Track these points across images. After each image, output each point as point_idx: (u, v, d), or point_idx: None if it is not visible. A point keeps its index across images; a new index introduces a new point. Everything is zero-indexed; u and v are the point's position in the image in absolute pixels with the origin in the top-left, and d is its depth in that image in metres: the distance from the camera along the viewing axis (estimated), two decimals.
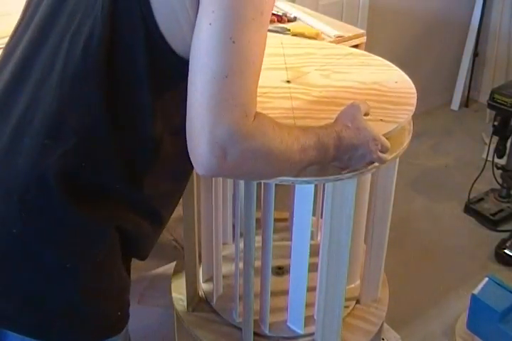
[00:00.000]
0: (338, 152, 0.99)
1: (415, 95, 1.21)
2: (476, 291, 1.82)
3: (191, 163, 0.84)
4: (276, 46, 1.40)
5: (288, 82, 1.25)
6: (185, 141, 0.83)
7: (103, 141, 0.86)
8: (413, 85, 1.25)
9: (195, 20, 0.80)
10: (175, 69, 0.85)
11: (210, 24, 0.78)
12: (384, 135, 1.07)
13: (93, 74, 0.84)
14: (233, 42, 0.78)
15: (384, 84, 1.24)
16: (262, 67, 1.32)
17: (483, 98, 3.12)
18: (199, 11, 0.79)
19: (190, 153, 0.82)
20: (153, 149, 0.90)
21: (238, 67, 0.79)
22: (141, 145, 0.89)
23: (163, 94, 0.87)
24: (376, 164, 1.08)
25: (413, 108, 1.17)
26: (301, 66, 1.31)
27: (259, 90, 1.20)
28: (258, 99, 1.18)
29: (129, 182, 0.90)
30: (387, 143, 1.05)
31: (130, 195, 0.91)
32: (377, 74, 1.28)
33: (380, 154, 1.04)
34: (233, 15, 0.78)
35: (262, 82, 1.24)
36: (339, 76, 1.27)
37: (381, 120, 1.12)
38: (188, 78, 0.81)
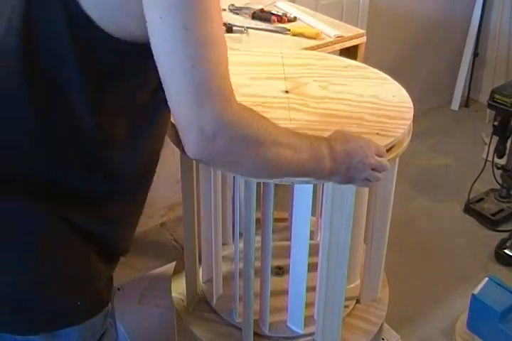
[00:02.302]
0: (335, 162, 0.98)
1: (412, 109, 1.22)
2: (476, 291, 1.82)
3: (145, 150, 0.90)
4: (275, 56, 1.41)
5: (286, 92, 1.26)
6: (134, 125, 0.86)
7: (26, 126, 0.85)
8: (410, 99, 1.26)
9: (132, 6, 0.80)
10: (106, 50, 0.84)
11: (161, 17, 0.78)
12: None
13: (14, 53, 0.83)
14: (186, 29, 0.78)
15: (381, 97, 1.25)
16: (261, 75, 1.34)
17: (483, 98, 3.12)
18: (144, 5, 0.79)
19: (181, 140, 0.84)
20: (91, 137, 0.88)
21: (201, 54, 0.80)
22: (73, 133, 0.87)
23: (94, 75, 0.86)
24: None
25: (409, 122, 1.18)
26: (300, 76, 1.32)
27: (258, 99, 1.23)
28: (257, 108, 1.19)
29: (68, 172, 0.89)
30: (381, 147, 1.05)
31: (74, 186, 0.90)
32: (374, 87, 1.29)
33: (379, 158, 1.03)
34: (181, 5, 0.78)
35: (261, 91, 1.26)
36: (337, 88, 1.28)
37: (377, 134, 1.13)
38: (159, 73, 0.81)
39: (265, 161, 0.90)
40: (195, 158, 0.85)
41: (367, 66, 1.38)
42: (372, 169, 1.03)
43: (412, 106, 1.23)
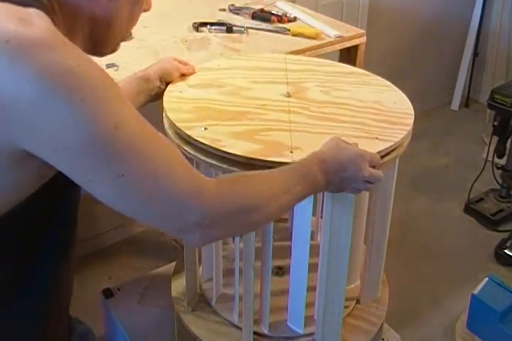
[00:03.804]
0: (328, 175, 0.98)
1: (412, 116, 1.22)
2: (476, 291, 1.82)
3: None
4: (279, 61, 1.41)
5: (288, 96, 1.26)
6: None
7: None
8: (411, 106, 1.25)
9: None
10: None
11: (91, 180, 0.75)
12: (379, 152, 1.08)
13: None
14: (122, 175, 0.75)
15: (383, 103, 1.25)
16: (263, 79, 1.34)
17: (483, 98, 3.12)
18: (66, 173, 0.76)
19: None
20: None
21: (149, 184, 0.77)
22: None
23: None
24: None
25: (409, 128, 1.18)
26: (302, 81, 1.32)
27: (258, 102, 1.23)
28: (257, 110, 1.20)
29: None
30: (377, 157, 1.04)
31: None
32: (376, 93, 1.29)
33: (372, 170, 1.02)
34: (101, 161, 0.74)
35: (262, 95, 1.26)
36: (339, 93, 1.28)
37: (377, 138, 1.13)
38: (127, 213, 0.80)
39: (269, 216, 0.92)
40: (204, 245, 0.88)
41: (370, 73, 1.39)
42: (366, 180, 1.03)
43: (413, 112, 1.23)
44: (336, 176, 0.99)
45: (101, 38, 0.89)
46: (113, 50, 0.95)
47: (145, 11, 0.95)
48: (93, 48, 0.91)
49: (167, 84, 1.29)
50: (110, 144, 0.73)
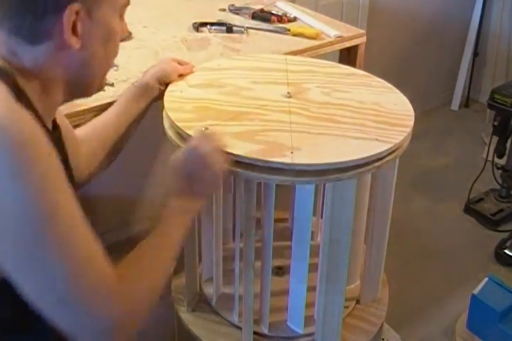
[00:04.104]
0: (191, 200, 0.99)
1: (413, 118, 1.22)
2: (476, 291, 1.82)
3: None
4: (279, 62, 1.41)
5: (288, 96, 1.26)
6: None
7: None
8: (411, 108, 1.25)
9: None
10: None
11: (16, 271, 0.74)
12: (378, 154, 1.08)
13: None
14: (47, 266, 0.74)
15: (383, 105, 1.25)
16: (264, 80, 1.34)
17: (483, 98, 3.12)
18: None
19: None
20: None
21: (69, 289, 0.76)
22: None
23: None
24: (376, 164, 1.08)
25: (409, 129, 1.18)
26: (303, 82, 1.32)
27: (259, 102, 1.23)
28: (257, 110, 1.20)
29: None
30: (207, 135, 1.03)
31: None
32: (377, 95, 1.30)
33: (208, 151, 1.00)
34: (32, 254, 0.73)
35: (262, 95, 1.26)
36: (339, 94, 1.29)
37: (376, 139, 1.13)
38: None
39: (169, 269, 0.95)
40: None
41: (371, 75, 1.39)
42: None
43: (413, 114, 1.23)
44: (192, 188, 1.00)
45: (83, 83, 0.90)
46: (99, 88, 0.96)
47: (122, 38, 0.94)
48: (79, 93, 0.92)
49: (167, 85, 1.29)
50: (41, 233, 0.72)
